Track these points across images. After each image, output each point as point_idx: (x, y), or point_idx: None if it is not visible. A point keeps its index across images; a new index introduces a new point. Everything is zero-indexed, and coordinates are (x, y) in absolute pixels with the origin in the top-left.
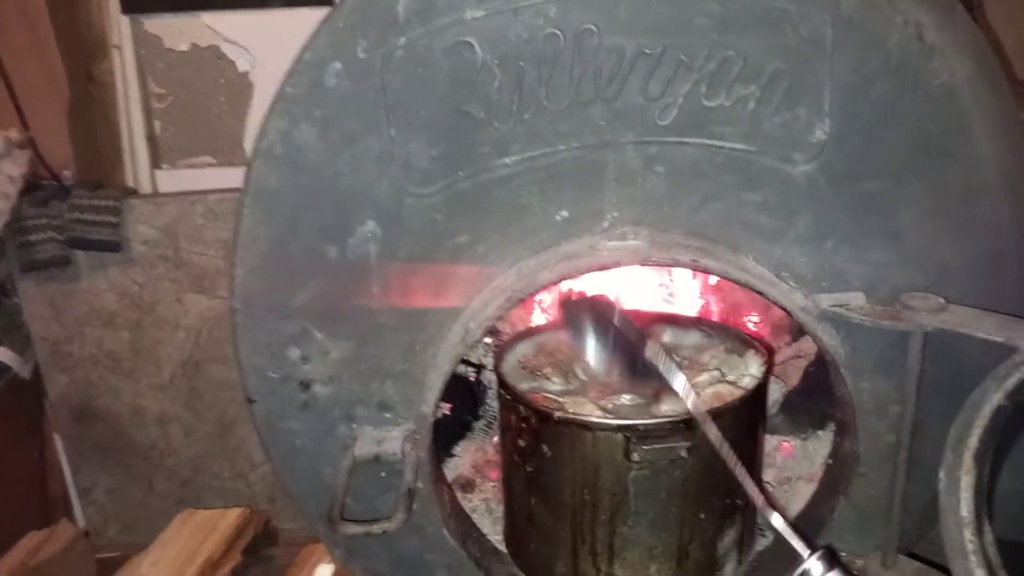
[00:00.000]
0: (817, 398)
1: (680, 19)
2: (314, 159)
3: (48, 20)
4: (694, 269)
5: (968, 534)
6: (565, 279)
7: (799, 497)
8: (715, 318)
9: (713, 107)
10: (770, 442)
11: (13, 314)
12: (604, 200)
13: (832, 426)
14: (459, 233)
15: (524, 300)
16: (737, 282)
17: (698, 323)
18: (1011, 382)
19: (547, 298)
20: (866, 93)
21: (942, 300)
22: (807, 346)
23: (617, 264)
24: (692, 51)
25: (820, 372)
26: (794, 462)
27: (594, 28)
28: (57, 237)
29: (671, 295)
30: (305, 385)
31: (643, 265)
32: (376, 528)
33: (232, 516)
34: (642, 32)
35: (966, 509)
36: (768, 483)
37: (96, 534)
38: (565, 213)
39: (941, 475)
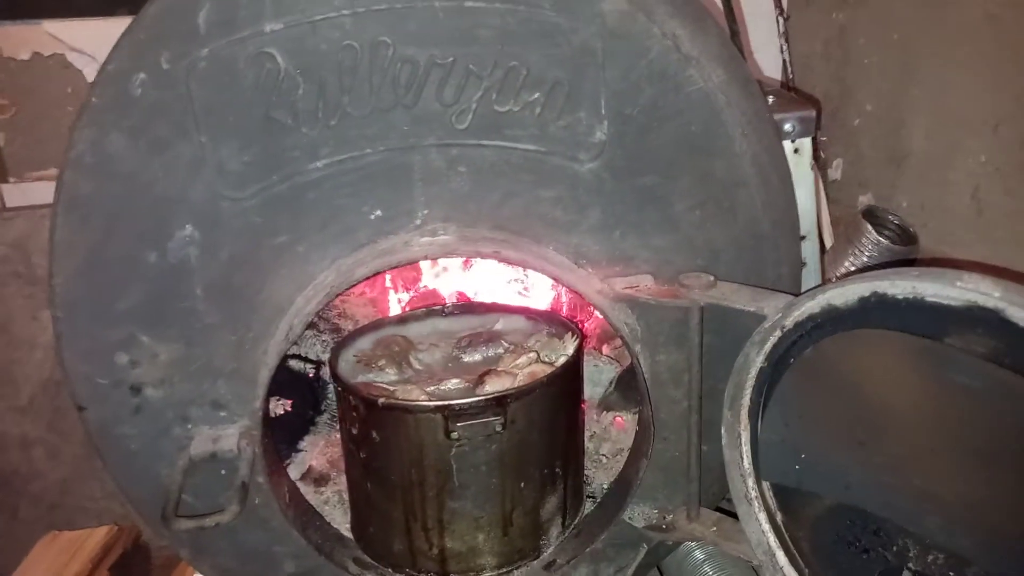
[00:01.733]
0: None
1: (466, 32)
2: (126, 167)
3: None
4: (497, 259)
5: (751, 483)
6: (381, 273)
7: None
8: (564, 310)
9: (504, 112)
10: (607, 418)
11: None
12: (414, 199)
13: None
14: (278, 234)
15: (342, 294)
16: (535, 270)
17: (527, 312)
18: (767, 346)
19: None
20: (635, 98)
21: (712, 278)
22: None
23: (427, 258)
24: (480, 61)
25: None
26: (626, 435)
27: (388, 40)
28: None
29: (526, 289)
30: (136, 389)
31: (450, 257)
32: (208, 521)
33: (99, 535)
34: (433, 44)
35: (747, 462)
36: (603, 455)
37: None
38: (379, 212)
39: (723, 432)
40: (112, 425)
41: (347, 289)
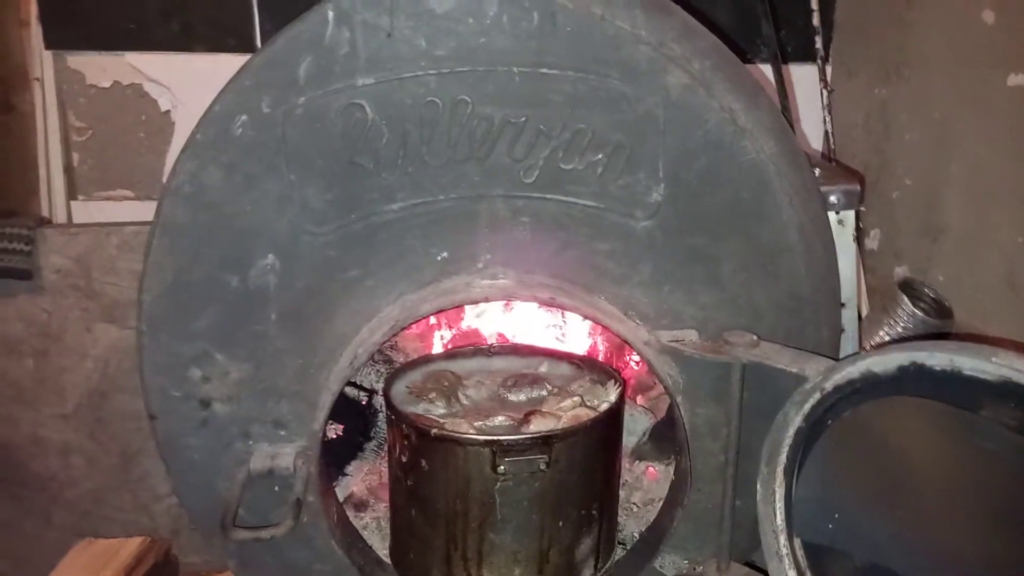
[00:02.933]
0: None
1: (539, 95)
2: (219, 198)
3: None
4: (551, 305)
5: (783, 540)
6: (443, 311)
7: None
8: (600, 357)
9: (568, 169)
10: (639, 467)
11: None
12: (478, 244)
13: None
14: (351, 268)
15: (406, 328)
16: (587, 317)
17: (571, 357)
18: (806, 407)
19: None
20: (691, 164)
21: (755, 337)
22: None
23: (487, 299)
24: (550, 122)
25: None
26: (658, 485)
27: (468, 99)
28: None
29: (563, 335)
30: (205, 403)
31: (510, 300)
32: (265, 533)
33: (132, 545)
34: (508, 104)
35: (780, 518)
36: (635, 504)
37: None
38: (445, 254)
39: (758, 487)
40: (179, 436)
41: (411, 324)
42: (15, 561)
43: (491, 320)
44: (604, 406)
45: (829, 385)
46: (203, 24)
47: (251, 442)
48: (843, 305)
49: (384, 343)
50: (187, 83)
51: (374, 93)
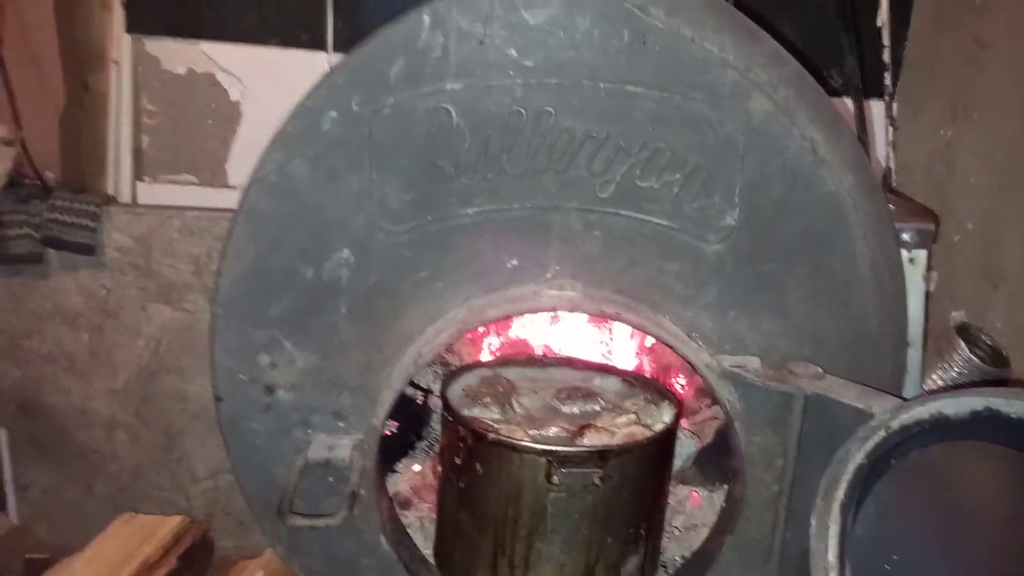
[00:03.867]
0: (726, 455)
1: (622, 112)
2: (302, 190)
3: (52, 27)
4: (617, 320)
5: None
6: (508, 318)
7: (702, 541)
8: (648, 376)
9: (644, 187)
10: (682, 491)
11: None
12: (548, 255)
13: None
14: (422, 268)
15: (471, 331)
16: (651, 335)
17: (624, 374)
18: (870, 444)
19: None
20: (768, 190)
21: (819, 370)
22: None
23: (554, 309)
24: (630, 139)
25: (731, 432)
26: (701, 511)
27: (551, 111)
28: (33, 234)
29: (610, 352)
30: (270, 389)
31: (575, 312)
32: (320, 522)
33: (172, 523)
34: (591, 119)
35: (832, 555)
36: (676, 528)
37: (26, 531)
38: (515, 262)
39: (812, 521)
40: (242, 419)
41: (476, 328)
42: (55, 525)
43: (538, 332)
44: (659, 426)
45: (896, 424)
46: (278, 18)
47: (310, 431)
48: (908, 345)
49: (449, 345)
50: (257, 75)
51: (461, 98)
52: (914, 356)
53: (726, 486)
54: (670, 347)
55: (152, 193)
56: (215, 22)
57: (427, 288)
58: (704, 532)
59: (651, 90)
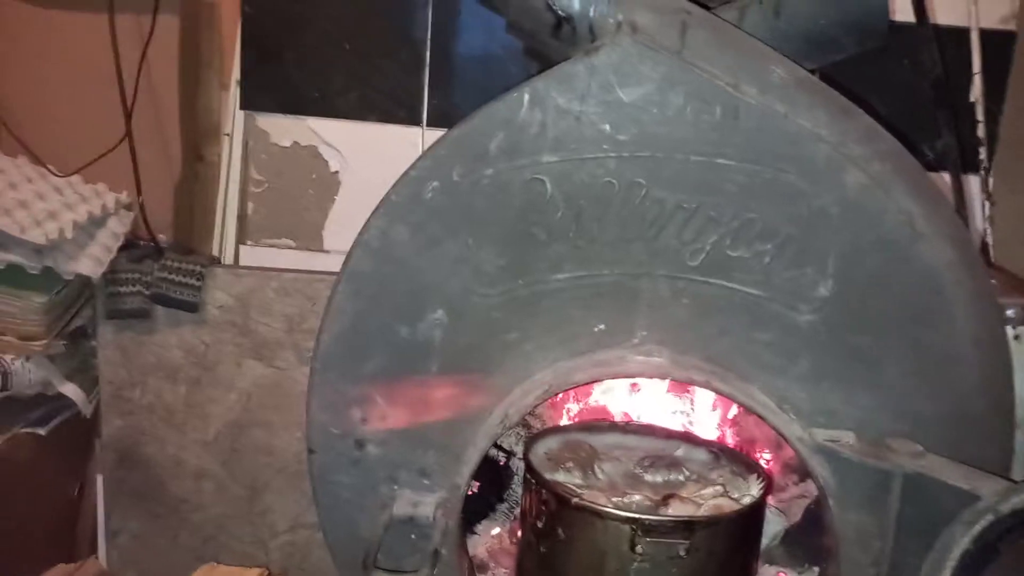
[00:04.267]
0: (815, 534)
1: (713, 184)
2: (402, 254)
3: (175, 103)
4: (706, 388)
5: None
6: (595, 382)
7: None
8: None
9: (735, 256)
10: (768, 572)
11: (87, 355)
12: (636, 320)
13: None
14: (511, 331)
15: (558, 395)
16: (742, 405)
17: (709, 444)
18: (977, 528)
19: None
20: (862, 262)
21: (920, 448)
22: (811, 487)
23: (641, 375)
24: (721, 210)
25: (820, 510)
26: None
27: (643, 182)
28: (144, 292)
29: (690, 423)
30: (360, 443)
31: (662, 379)
32: None
33: (252, 574)
34: (682, 190)
35: None
36: None
37: None
38: (602, 326)
39: None
40: (332, 472)
41: (562, 390)
42: (143, 573)
43: (618, 400)
44: (747, 499)
45: (1006, 508)
46: (378, 96)
47: (396, 487)
48: (1016, 427)
49: (535, 406)
50: (356, 148)
51: (556, 170)
52: (1022, 439)
53: (815, 568)
54: (761, 418)
55: (253, 255)
56: (320, 100)
57: (516, 350)
58: None
59: (743, 163)
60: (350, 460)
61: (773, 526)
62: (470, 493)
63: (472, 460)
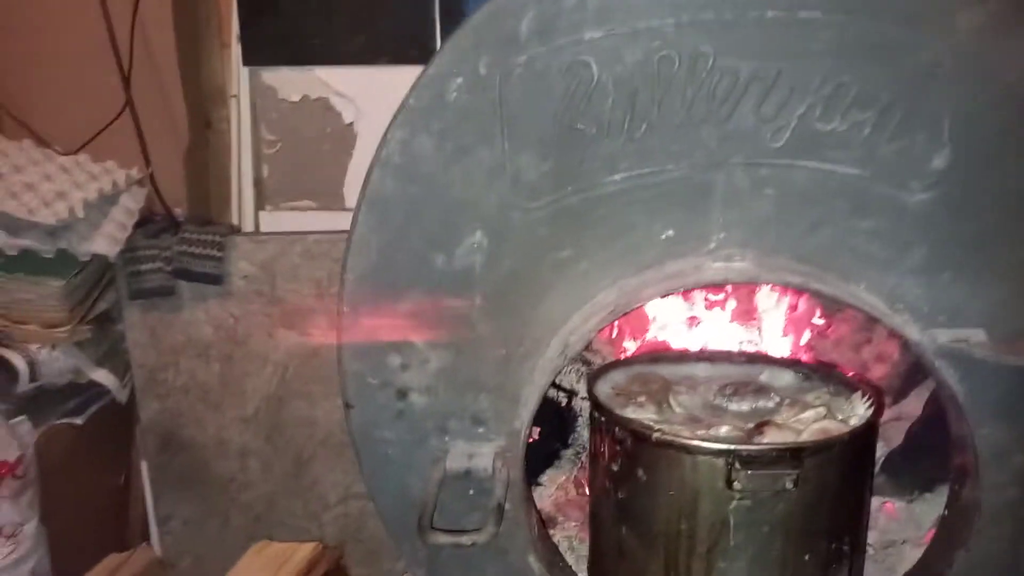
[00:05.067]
0: (922, 460)
1: (796, 45)
2: (428, 169)
3: (176, 69)
4: (803, 290)
5: None
6: (668, 295)
7: (906, 561)
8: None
9: (827, 131)
10: (873, 503)
11: (116, 340)
12: (711, 221)
13: (941, 487)
14: (563, 248)
15: (626, 315)
16: (851, 307)
17: (796, 364)
18: None
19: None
20: (986, 124)
21: None
22: (908, 408)
23: (725, 282)
24: (807, 76)
25: (925, 432)
26: (899, 525)
27: (709, 51)
28: (165, 268)
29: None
30: (402, 393)
31: (750, 284)
32: (466, 539)
33: (306, 550)
34: (757, 56)
35: None
36: (871, 546)
37: (170, 564)
38: (671, 232)
39: None
40: (374, 427)
41: (629, 311)
42: (197, 559)
43: (673, 335)
44: (856, 420)
45: None
46: (386, 38)
47: (447, 438)
48: None
49: (600, 330)
50: (370, 95)
51: (602, 48)
52: None
53: (927, 495)
54: (874, 319)
55: (274, 220)
56: (325, 47)
57: (570, 270)
58: (906, 549)
59: (831, 14)
60: (393, 412)
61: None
62: (531, 440)
63: (532, 401)
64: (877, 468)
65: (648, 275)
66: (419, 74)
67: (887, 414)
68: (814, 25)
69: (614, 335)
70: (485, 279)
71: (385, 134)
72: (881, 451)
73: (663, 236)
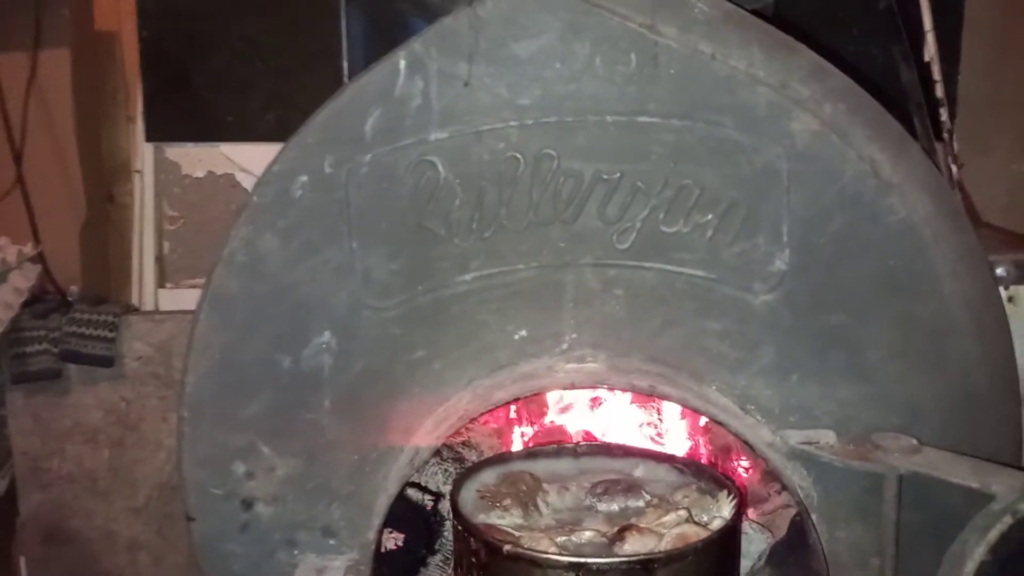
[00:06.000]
0: (805, 550)
1: (637, 147)
2: (274, 268)
3: (74, 143)
4: (651, 395)
5: None
6: (520, 399)
7: None
8: (703, 460)
9: (671, 233)
10: None
11: None
12: (563, 321)
13: None
14: (416, 348)
15: (476, 420)
16: (697, 411)
17: (673, 459)
18: (993, 534)
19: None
20: (824, 226)
21: (915, 441)
22: None
23: (572, 386)
24: (649, 178)
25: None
26: None
27: (553, 153)
28: (52, 350)
29: (659, 435)
30: (248, 504)
31: (599, 387)
32: None
33: None
34: (600, 158)
35: None
36: None
37: None
38: (524, 332)
39: None
40: (218, 541)
41: (482, 414)
42: None
43: (576, 418)
44: (717, 523)
45: None
46: (298, 116)
47: (296, 552)
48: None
49: (450, 437)
50: None
51: (448, 148)
52: None
53: None
54: (719, 424)
55: (175, 298)
56: (235, 125)
57: (423, 371)
58: None
59: (669, 119)
60: (238, 525)
61: (756, 544)
62: (394, 547)
63: (383, 509)
64: (763, 560)
65: (502, 376)
66: (263, 172)
67: (776, 502)
68: (653, 129)
69: (508, 420)
70: (335, 381)
71: (229, 231)
72: (767, 542)
73: (516, 336)
